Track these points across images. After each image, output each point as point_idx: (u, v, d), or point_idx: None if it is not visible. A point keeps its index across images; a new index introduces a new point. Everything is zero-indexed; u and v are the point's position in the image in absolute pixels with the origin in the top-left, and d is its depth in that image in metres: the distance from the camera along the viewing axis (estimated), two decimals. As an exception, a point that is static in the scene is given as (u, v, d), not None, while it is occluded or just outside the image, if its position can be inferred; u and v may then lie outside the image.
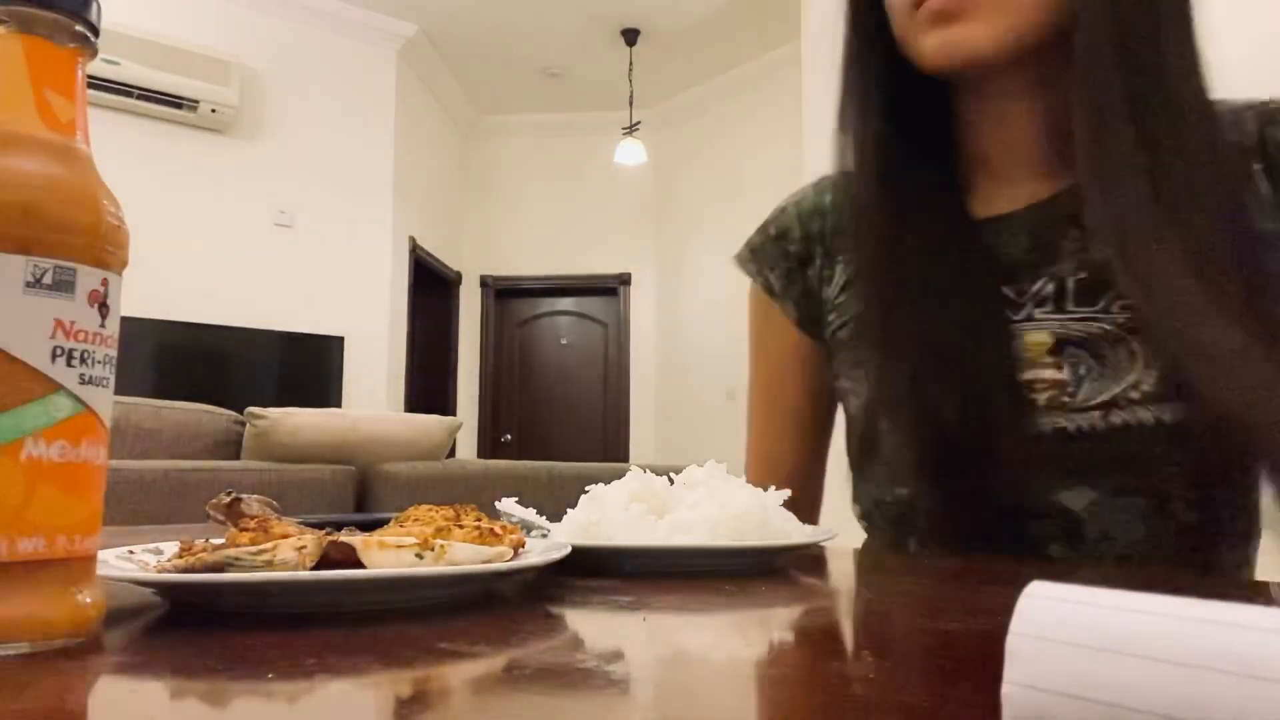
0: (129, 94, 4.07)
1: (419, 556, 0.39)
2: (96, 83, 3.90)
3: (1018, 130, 0.69)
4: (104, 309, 0.32)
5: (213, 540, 0.42)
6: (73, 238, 0.30)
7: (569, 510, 0.58)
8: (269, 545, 0.37)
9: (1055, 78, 0.64)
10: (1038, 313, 0.66)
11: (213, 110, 4.34)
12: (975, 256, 0.69)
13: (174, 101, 4.23)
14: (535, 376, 6.52)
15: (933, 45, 0.63)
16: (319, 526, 0.45)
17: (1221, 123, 0.63)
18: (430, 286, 5.80)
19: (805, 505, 0.81)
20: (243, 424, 2.34)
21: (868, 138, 0.72)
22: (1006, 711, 0.16)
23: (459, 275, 6.27)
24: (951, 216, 0.71)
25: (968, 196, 0.72)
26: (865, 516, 0.77)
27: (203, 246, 4.38)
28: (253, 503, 0.47)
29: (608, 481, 0.60)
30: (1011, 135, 0.70)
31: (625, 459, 6.07)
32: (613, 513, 0.55)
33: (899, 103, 0.71)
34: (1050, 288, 0.66)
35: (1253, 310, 0.57)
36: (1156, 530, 0.63)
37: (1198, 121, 0.61)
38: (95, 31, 0.33)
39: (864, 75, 0.73)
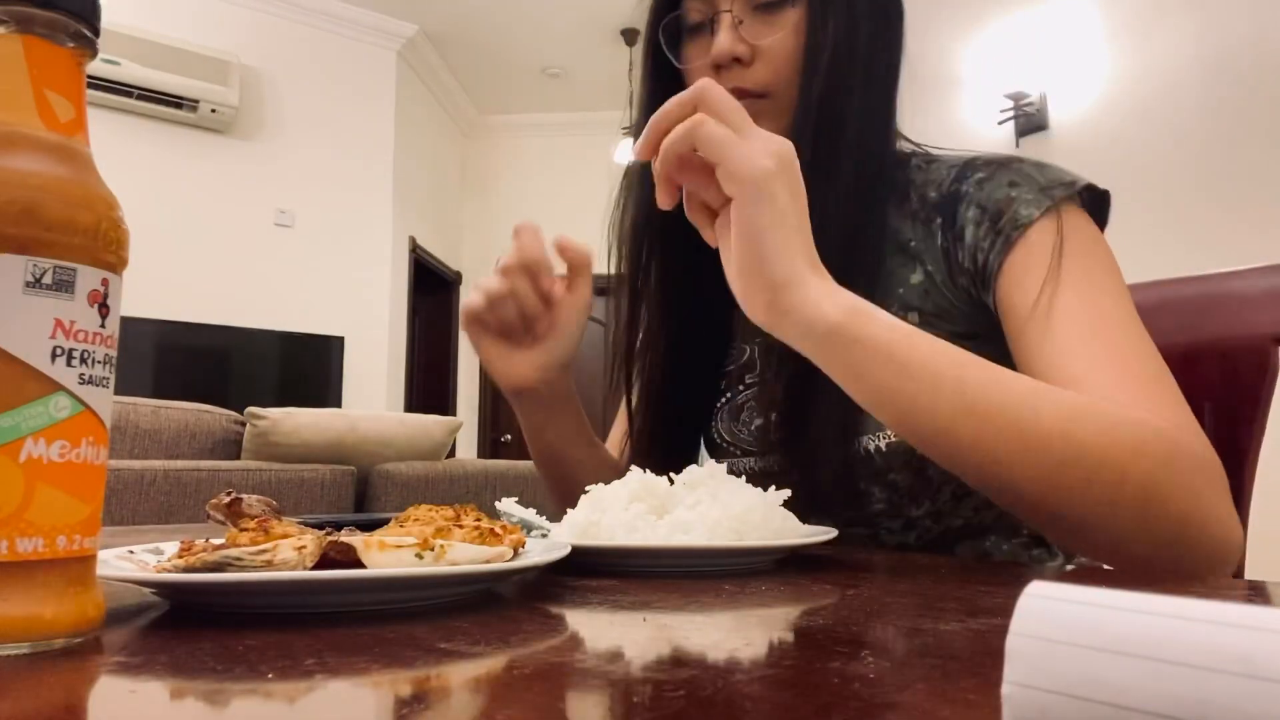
0: (129, 94, 4.07)
1: (419, 556, 0.39)
2: (96, 83, 3.90)
3: None
4: (104, 309, 0.32)
5: (213, 540, 0.42)
6: (73, 238, 0.30)
7: (569, 510, 0.58)
8: (269, 545, 0.37)
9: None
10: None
11: (213, 110, 4.34)
12: None
13: (174, 101, 4.23)
14: (535, 376, 6.51)
15: None
16: (319, 526, 0.45)
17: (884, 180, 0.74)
18: (430, 286, 5.80)
19: None
20: (243, 424, 2.33)
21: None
22: (1006, 711, 0.16)
23: (459, 275, 6.27)
24: None
25: None
26: None
27: (203, 246, 4.38)
28: (253, 503, 0.47)
29: (608, 481, 0.60)
30: None
31: (625, 459, 6.05)
32: (613, 513, 0.55)
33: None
34: None
35: None
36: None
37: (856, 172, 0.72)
38: (95, 31, 0.33)
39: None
